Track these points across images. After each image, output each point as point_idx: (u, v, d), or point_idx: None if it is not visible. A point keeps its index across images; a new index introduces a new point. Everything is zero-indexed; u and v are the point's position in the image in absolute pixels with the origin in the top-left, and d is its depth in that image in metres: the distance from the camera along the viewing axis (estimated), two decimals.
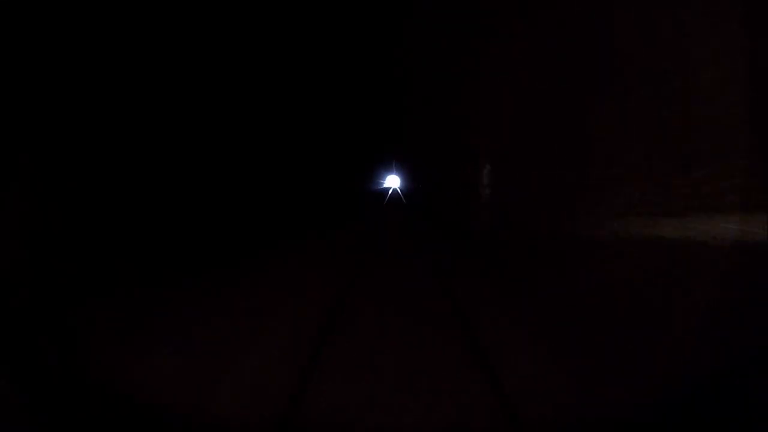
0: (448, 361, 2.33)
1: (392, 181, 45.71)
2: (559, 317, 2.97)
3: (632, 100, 3.29)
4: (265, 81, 7.04)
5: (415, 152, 17.35)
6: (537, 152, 5.20)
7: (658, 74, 2.96)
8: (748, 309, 2.15)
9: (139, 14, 4.17)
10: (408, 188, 28.18)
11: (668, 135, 2.99)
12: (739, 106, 2.51)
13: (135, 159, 4.52)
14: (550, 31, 4.41)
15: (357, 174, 22.45)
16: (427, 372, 2.18)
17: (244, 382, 2.10)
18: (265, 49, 6.55)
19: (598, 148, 3.87)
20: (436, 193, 12.81)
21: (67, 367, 2.25)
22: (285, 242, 6.74)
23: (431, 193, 14.41)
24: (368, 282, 4.27)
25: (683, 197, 2.93)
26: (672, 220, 2.98)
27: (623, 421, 1.81)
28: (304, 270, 4.80)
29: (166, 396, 1.98)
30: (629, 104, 3.35)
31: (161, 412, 1.89)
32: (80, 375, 2.18)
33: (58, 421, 1.77)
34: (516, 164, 5.98)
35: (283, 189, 8.90)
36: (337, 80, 9.13)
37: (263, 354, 2.41)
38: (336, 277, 4.35)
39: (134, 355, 2.41)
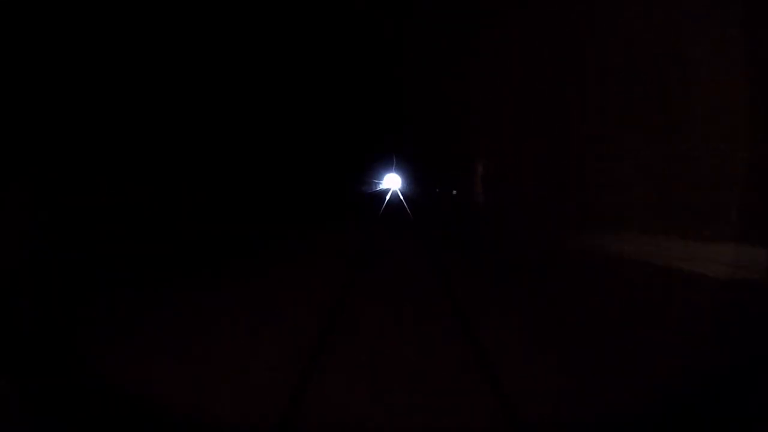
0: None
1: (392, 182, 43.83)
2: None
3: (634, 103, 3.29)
4: (254, 71, 6.99)
5: (419, 148, 15.64)
6: (534, 153, 5.19)
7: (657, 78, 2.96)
8: None
9: (141, 17, 4.17)
10: (411, 190, 24.94)
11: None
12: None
13: (127, 161, 4.52)
14: (551, 30, 4.40)
15: (347, 174, 19.73)
16: None
17: None
18: (259, 41, 6.54)
19: (595, 149, 3.86)
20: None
21: (66, 366, 2.25)
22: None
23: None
24: None
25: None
26: None
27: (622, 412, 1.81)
28: None
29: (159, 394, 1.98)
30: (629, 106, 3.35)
31: (162, 413, 1.88)
32: (80, 375, 2.18)
33: (58, 421, 1.77)
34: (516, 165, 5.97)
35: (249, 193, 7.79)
36: (331, 70, 8.81)
37: None
38: None
39: (127, 351, 2.41)
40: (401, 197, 24.63)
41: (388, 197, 24.97)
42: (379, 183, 38.15)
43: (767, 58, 2.26)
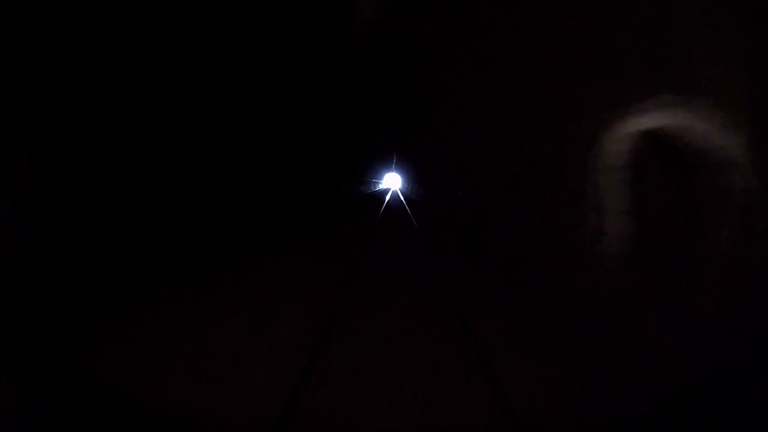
0: None
1: (392, 181, 42.77)
2: None
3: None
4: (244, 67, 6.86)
5: (422, 145, 13.13)
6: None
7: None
8: None
9: (141, 16, 4.16)
10: (416, 192, 21.53)
11: None
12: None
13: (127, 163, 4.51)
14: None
15: (340, 173, 17.54)
16: None
17: None
18: (259, 39, 6.51)
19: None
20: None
21: (66, 367, 2.25)
22: None
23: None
24: None
25: None
26: None
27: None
28: None
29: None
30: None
31: (159, 413, 1.89)
32: (79, 375, 2.18)
33: (58, 420, 1.76)
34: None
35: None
36: (325, 61, 8.11)
37: None
38: None
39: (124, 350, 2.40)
40: (403, 200, 21.36)
41: (387, 198, 23.47)
42: (378, 182, 37.54)
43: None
